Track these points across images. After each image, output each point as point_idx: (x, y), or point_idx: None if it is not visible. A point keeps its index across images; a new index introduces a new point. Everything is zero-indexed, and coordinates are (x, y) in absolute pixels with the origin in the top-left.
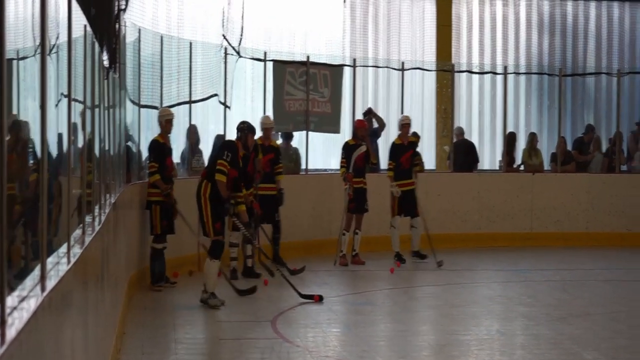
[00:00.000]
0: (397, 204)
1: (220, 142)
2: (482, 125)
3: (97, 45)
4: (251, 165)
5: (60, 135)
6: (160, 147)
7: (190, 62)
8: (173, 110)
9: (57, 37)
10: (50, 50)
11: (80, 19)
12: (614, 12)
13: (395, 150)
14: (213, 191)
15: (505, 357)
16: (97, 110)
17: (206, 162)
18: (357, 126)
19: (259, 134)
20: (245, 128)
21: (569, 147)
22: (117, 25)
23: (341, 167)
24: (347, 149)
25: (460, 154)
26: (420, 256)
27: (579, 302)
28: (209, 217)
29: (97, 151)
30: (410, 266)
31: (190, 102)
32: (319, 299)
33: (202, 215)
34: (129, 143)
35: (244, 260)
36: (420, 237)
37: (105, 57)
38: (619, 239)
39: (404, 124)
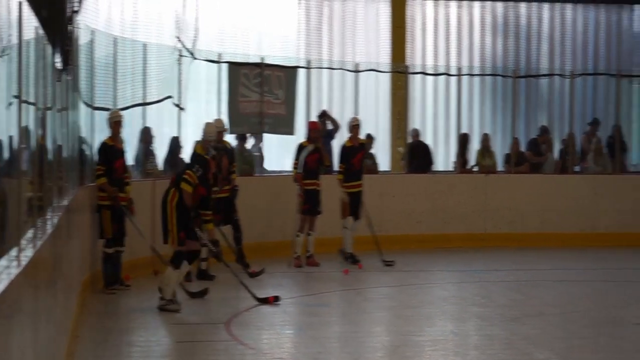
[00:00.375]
0: (347, 206)
1: (194, 157)
2: (436, 126)
3: (49, 47)
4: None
5: (10, 138)
6: (108, 150)
7: (145, 64)
8: (127, 112)
9: (9, 39)
10: (3, 53)
11: (31, 21)
12: (566, 14)
13: (346, 152)
14: (180, 200)
15: (458, 357)
16: (49, 112)
17: (160, 165)
18: (309, 128)
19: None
20: (221, 149)
21: (523, 148)
22: (70, 28)
23: (294, 168)
24: (301, 151)
25: (415, 155)
26: (354, 260)
27: (532, 302)
28: (174, 226)
29: (50, 153)
30: (365, 267)
31: (144, 104)
32: (274, 299)
33: (167, 223)
34: (84, 145)
35: (199, 263)
36: (352, 239)
37: (58, 59)
38: (572, 239)
39: (354, 126)
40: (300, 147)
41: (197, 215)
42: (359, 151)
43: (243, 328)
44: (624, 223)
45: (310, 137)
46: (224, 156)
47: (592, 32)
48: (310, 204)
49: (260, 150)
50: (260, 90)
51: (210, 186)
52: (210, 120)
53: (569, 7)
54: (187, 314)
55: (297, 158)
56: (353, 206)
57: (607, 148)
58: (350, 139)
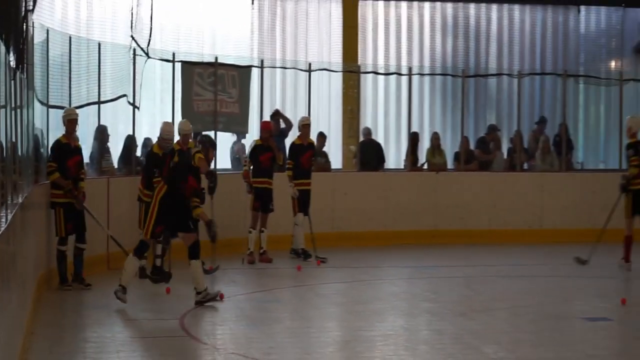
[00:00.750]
0: (297, 202)
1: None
2: (387, 125)
3: (3, 46)
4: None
5: None
6: (61, 147)
7: (99, 62)
8: (82, 110)
9: None
10: None
11: None
12: (514, 15)
13: (295, 150)
14: (166, 195)
15: (408, 352)
16: (3, 110)
17: (115, 163)
18: (261, 127)
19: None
20: (206, 142)
21: (472, 147)
22: (24, 26)
23: (244, 166)
24: (254, 149)
25: (367, 153)
26: (298, 254)
27: (480, 297)
28: (152, 218)
29: (4, 151)
30: (318, 264)
31: (99, 102)
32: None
33: (147, 214)
34: (39, 143)
35: (154, 259)
36: (303, 236)
37: (12, 57)
38: (520, 235)
39: (304, 125)
40: (253, 146)
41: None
42: (308, 150)
43: (197, 324)
44: (569, 219)
45: (262, 136)
46: (210, 149)
47: (539, 32)
48: (261, 202)
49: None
50: (214, 89)
51: (200, 178)
52: (167, 120)
53: (516, 8)
54: (141, 309)
55: (250, 156)
56: (302, 203)
57: (554, 146)
58: (300, 137)
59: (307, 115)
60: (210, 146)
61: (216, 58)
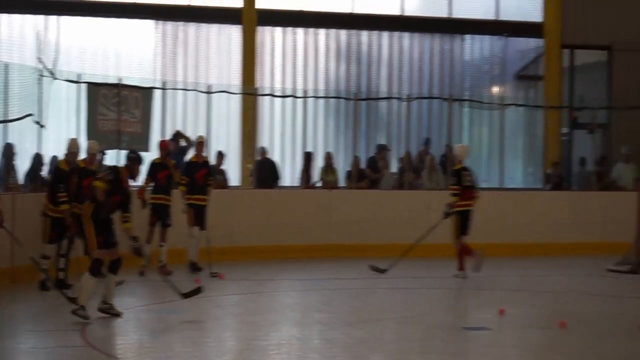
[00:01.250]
0: (192, 216)
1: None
2: (283, 144)
3: None
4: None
5: None
6: None
7: (6, 83)
8: None
9: None
10: None
11: None
12: (404, 42)
13: (190, 167)
14: (95, 211)
15: None
16: None
17: (21, 180)
18: (159, 146)
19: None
20: (134, 158)
21: (363, 166)
22: None
23: (144, 183)
24: (153, 167)
25: (263, 171)
26: (196, 268)
27: (369, 308)
28: (92, 234)
29: None
30: (220, 277)
31: (5, 121)
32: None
33: (85, 235)
34: None
35: (56, 272)
36: (199, 250)
37: None
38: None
39: (199, 143)
40: (152, 164)
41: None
42: (202, 167)
43: (98, 334)
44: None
45: (160, 155)
46: (136, 164)
47: (427, 59)
48: (158, 217)
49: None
50: (118, 109)
51: (126, 193)
52: (73, 136)
53: (406, 35)
54: (43, 320)
55: (148, 174)
56: (197, 218)
57: (440, 165)
58: (195, 155)
59: (204, 134)
60: (136, 162)
61: (120, 79)
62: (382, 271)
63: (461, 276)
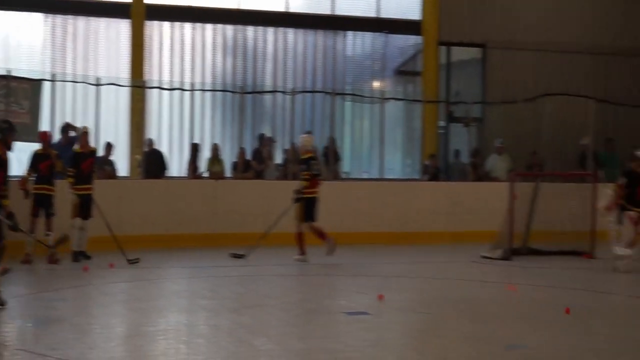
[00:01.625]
0: (77, 207)
1: None
2: (172, 136)
3: None
4: None
5: None
6: None
7: None
8: None
9: None
10: None
11: None
12: (289, 38)
13: (76, 157)
14: None
15: (185, 345)
16: None
17: None
18: (40, 137)
19: None
20: (7, 128)
21: (249, 157)
22: None
23: (26, 173)
24: (35, 158)
25: (150, 162)
26: (86, 256)
27: (252, 294)
28: None
29: None
30: (103, 264)
31: None
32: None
33: None
34: None
35: None
36: (87, 239)
37: None
38: (291, 238)
39: (84, 133)
40: (34, 155)
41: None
42: (88, 157)
43: None
44: (336, 224)
45: (43, 146)
46: (9, 134)
47: (311, 54)
48: (41, 207)
49: None
50: (6, 100)
51: (6, 169)
52: None
53: (290, 31)
54: None
55: (30, 165)
56: (83, 207)
57: (324, 157)
58: (81, 145)
59: (90, 126)
60: (9, 131)
61: (9, 71)
62: (241, 256)
63: (302, 260)
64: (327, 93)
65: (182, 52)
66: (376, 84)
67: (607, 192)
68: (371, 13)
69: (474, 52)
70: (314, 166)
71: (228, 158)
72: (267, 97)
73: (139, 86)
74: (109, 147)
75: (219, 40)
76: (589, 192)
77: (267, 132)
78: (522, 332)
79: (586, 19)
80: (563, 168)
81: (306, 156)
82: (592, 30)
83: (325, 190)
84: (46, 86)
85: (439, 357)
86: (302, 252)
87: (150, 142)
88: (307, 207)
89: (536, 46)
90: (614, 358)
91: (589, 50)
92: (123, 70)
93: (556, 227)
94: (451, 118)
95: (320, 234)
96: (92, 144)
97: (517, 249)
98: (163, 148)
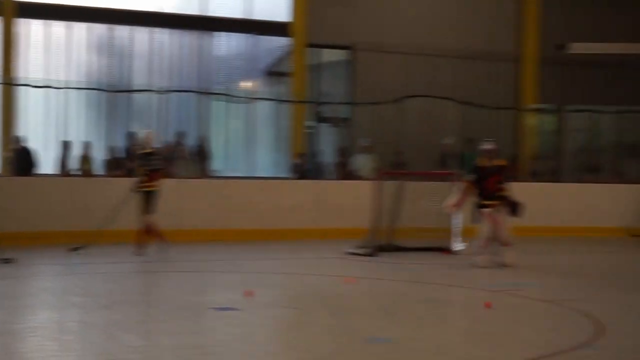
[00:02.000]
0: None
1: None
2: (44, 134)
3: None
4: None
5: None
6: None
7: None
8: None
9: None
10: None
11: None
12: (160, 37)
13: None
14: None
15: (55, 342)
16: None
17: None
18: None
19: None
20: None
21: (120, 155)
22: None
23: None
24: None
25: (20, 159)
26: None
27: (122, 291)
28: None
29: None
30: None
31: None
32: None
33: None
34: None
35: None
36: None
37: None
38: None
39: None
40: None
41: None
42: None
43: None
44: (207, 220)
45: None
46: None
47: (182, 54)
48: None
49: None
50: None
51: None
52: None
53: (162, 31)
54: None
55: None
56: None
57: (197, 155)
58: None
59: None
60: None
61: None
62: (77, 249)
63: (140, 254)
64: (197, 92)
65: (56, 50)
66: (246, 84)
67: (456, 190)
68: (242, 15)
69: (342, 54)
70: (153, 160)
71: (99, 156)
72: (139, 96)
73: (7, 83)
74: None
75: (92, 38)
76: (450, 191)
77: (139, 132)
78: (384, 325)
79: (453, 24)
80: (426, 167)
81: (146, 151)
82: (458, 35)
83: (195, 188)
84: None
85: (304, 351)
86: (142, 246)
87: (17, 139)
88: (147, 201)
89: (403, 49)
90: (472, 349)
91: (454, 54)
92: None
93: (420, 224)
94: (320, 118)
95: (152, 231)
96: None
97: (383, 245)
98: (37, 145)
